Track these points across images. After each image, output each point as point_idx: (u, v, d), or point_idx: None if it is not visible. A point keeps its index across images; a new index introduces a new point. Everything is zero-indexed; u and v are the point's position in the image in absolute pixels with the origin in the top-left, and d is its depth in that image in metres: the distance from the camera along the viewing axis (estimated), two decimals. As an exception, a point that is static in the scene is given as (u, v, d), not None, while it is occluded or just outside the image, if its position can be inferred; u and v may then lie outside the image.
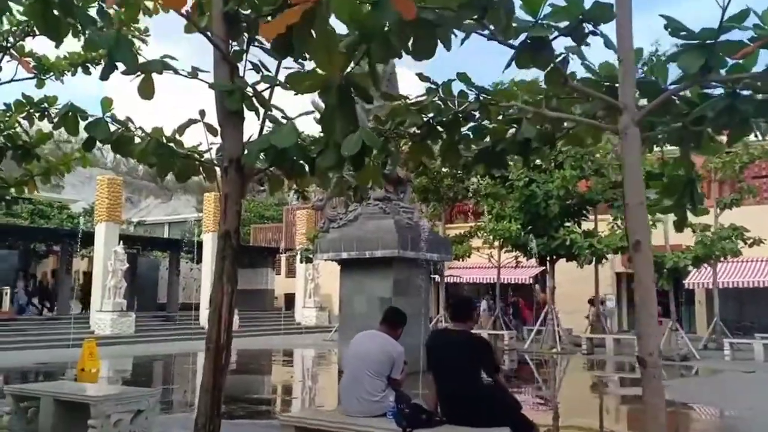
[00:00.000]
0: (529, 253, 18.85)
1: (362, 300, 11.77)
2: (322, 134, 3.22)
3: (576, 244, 16.89)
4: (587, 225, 18.94)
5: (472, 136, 3.77)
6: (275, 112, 3.64)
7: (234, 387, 10.18)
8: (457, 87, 3.36)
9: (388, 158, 4.53)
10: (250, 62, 3.84)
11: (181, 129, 3.82)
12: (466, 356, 4.16)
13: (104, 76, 4.16)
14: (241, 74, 3.86)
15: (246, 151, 3.50)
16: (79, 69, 7.24)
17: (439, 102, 3.56)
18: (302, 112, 3.65)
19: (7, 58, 6.96)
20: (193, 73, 3.67)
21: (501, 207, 18.75)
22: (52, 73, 6.90)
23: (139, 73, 3.52)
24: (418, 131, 3.89)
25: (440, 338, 4.79)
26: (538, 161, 19.27)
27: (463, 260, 21.70)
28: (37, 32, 6.49)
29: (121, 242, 21.69)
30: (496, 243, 20.86)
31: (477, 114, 3.54)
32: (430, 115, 3.65)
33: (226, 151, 3.92)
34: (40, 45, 7.58)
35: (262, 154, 3.56)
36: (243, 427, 7.01)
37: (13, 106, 6.33)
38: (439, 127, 3.69)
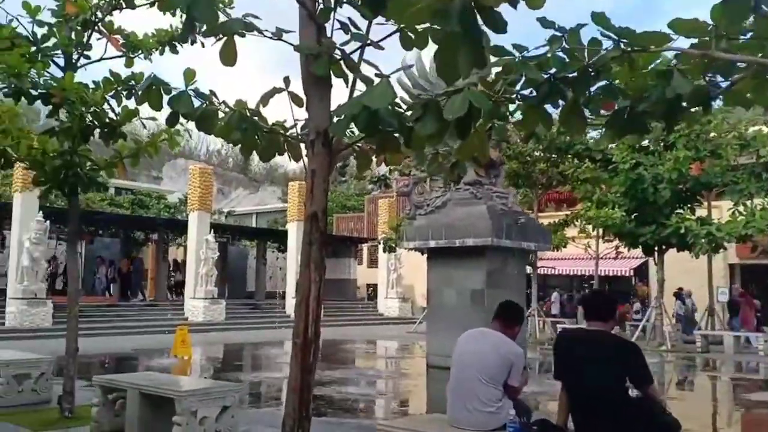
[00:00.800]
0: (635, 243, 17.52)
1: (452, 292, 11.21)
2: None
3: (692, 232, 15.47)
4: (700, 212, 17.38)
5: (603, 96, 3.11)
6: (367, 70, 3.18)
7: (318, 380, 9.95)
8: (588, 35, 2.74)
9: (491, 129, 3.98)
10: (338, 21, 3.41)
11: (265, 99, 3.49)
12: (610, 363, 3.43)
13: (183, 37, 3.86)
14: (328, 35, 3.45)
15: (334, 119, 3.08)
16: (167, 49, 7.13)
17: (564, 54, 2.94)
18: (399, 67, 3.14)
19: (96, 35, 6.93)
20: (278, 34, 3.28)
21: (602, 193, 17.53)
22: (140, 51, 6.80)
23: (220, 36, 3.22)
24: (534, 92, 3.27)
25: (574, 340, 3.98)
26: (644, 142, 17.89)
27: (558, 250, 20.63)
28: (123, 4, 6.38)
29: (212, 231, 22.27)
30: (594, 232, 19.67)
31: (613, 67, 2.89)
32: (552, 70, 3.03)
33: (312, 123, 3.48)
34: (126, 20, 7.53)
35: (352, 124, 3.15)
36: (330, 426, 6.69)
37: (101, 83, 6.29)
38: (562, 86, 3.07)
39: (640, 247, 17.80)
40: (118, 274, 25.20)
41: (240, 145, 3.79)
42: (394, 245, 20.65)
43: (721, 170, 15.66)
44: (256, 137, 3.78)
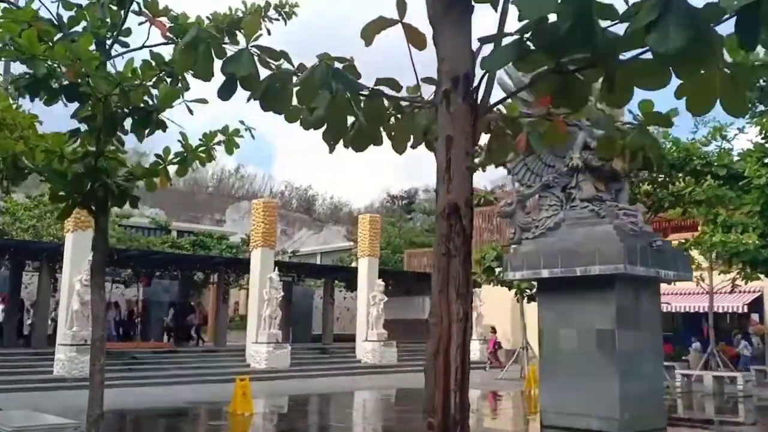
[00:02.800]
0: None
1: (571, 333, 9.15)
2: None
3: None
4: None
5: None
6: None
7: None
8: None
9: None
10: None
11: (368, 33, 2.58)
12: None
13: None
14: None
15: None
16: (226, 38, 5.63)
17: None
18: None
19: (137, 18, 5.45)
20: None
21: (729, 214, 15.06)
22: (192, 38, 5.26)
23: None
24: None
25: None
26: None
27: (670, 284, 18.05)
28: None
29: (276, 269, 20.88)
30: (706, 263, 17.04)
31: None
32: None
33: (444, 66, 2.51)
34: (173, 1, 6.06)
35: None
36: None
37: (140, 69, 4.80)
38: None
39: None
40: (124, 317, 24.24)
41: (323, 127, 2.95)
42: (478, 279, 18.63)
43: None
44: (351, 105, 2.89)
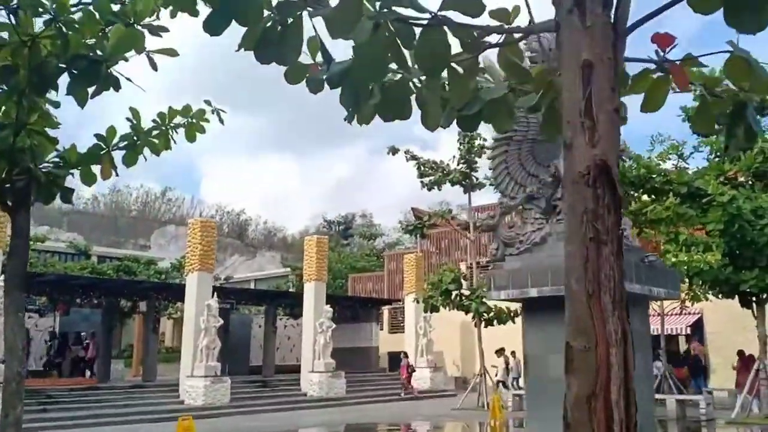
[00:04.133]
0: (733, 292, 15.01)
1: (561, 359, 8.33)
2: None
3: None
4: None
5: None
6: None
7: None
8: None
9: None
10: None
11: None
12: None
13: None
14: None
15: None
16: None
17: None
18: None
19: None
20: None
21: (690, 233, 14.96)
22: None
23: None
24: None
25: None
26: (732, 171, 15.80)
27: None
28: None
29: (215, 294, 19.39)
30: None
31: None
32: None
33: None
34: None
35: None
36: None
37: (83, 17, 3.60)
38: None
39: (737, 296, 15.30)
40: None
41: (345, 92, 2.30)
42: (437, 303, 17.80)
43: None
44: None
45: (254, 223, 78.73)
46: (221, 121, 4.68)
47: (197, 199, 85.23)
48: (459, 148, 18.41)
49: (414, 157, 18.86)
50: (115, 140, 4.23)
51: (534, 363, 8.69)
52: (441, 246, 30.05)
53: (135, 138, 4.27)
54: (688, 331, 24.56)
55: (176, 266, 35.66)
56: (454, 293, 18.20)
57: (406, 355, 23.87)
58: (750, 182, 15.26)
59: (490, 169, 9.14)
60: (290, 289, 35.63)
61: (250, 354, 27.19)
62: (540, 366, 8.59)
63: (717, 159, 16.74)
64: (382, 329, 30.45)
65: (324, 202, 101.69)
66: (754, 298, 15.30)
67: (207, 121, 4.50)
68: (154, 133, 4.33)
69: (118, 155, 4.26)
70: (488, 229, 9.02)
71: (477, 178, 18.64)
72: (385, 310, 30.76)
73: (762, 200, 14.01)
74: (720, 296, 16.06)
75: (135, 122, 4.24)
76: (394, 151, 18.95)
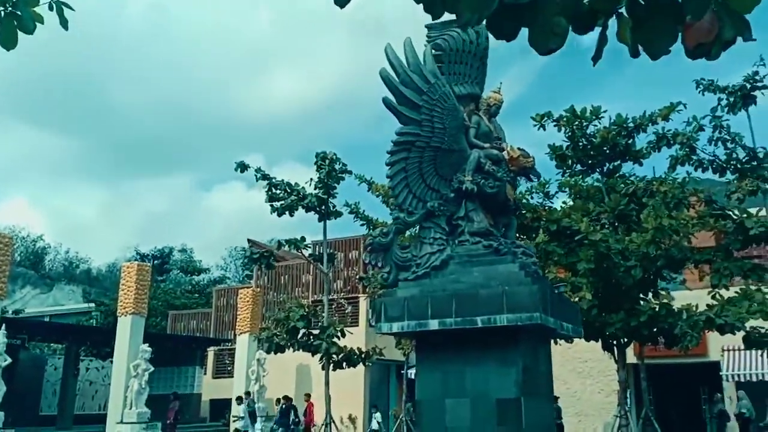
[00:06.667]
0: (598, 335, 15.02)
1: (464, 405, 7.26)
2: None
3: (681, 320, 13.12)
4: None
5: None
6: None
7: None
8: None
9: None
10: None
11: None
12: None
13: None
14: None
15: None
16: None
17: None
18: None
19: None
20: None
21: (557, 272, 14.88)
22: None
23: None
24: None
25: None
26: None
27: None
28: None
29: (3, 327, 15.76)
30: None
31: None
32: None
33: None
34: None
35: None
36: None
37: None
38: None
39: (600, 341, 15.34)
40: None
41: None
42: (282, 342, 15.94)
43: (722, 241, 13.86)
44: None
45: (53, 252, 70.58)
46: (64, 25, 3.11)
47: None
48: (317, 170, 17.09)
49: (266, 177, 17.15)
50: None
51: (428, 409, 7.44)
52: (280, 282, 28.18)
53: None
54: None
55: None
56: (301, 332, 16.54)
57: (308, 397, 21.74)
58: (615, 224, 15.50)
59: (387, 177, 7.91)
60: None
61: (41, 401, 22.87)
62: (434, 413, 7.37)
63: (578, 199, 17.06)
64: (205, 373, 27.54)
65: (137, 235, 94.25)
66: (614, 342, 15.44)
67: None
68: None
69: None
70: (379, 249, 7.71)
71: (335, 205, 17.36)
72: (211, 352, 27.95)
73: (629, 242, 14.20)
74: (588, 339, 16.13)
75: None
76: (243, 167, 17.08)
